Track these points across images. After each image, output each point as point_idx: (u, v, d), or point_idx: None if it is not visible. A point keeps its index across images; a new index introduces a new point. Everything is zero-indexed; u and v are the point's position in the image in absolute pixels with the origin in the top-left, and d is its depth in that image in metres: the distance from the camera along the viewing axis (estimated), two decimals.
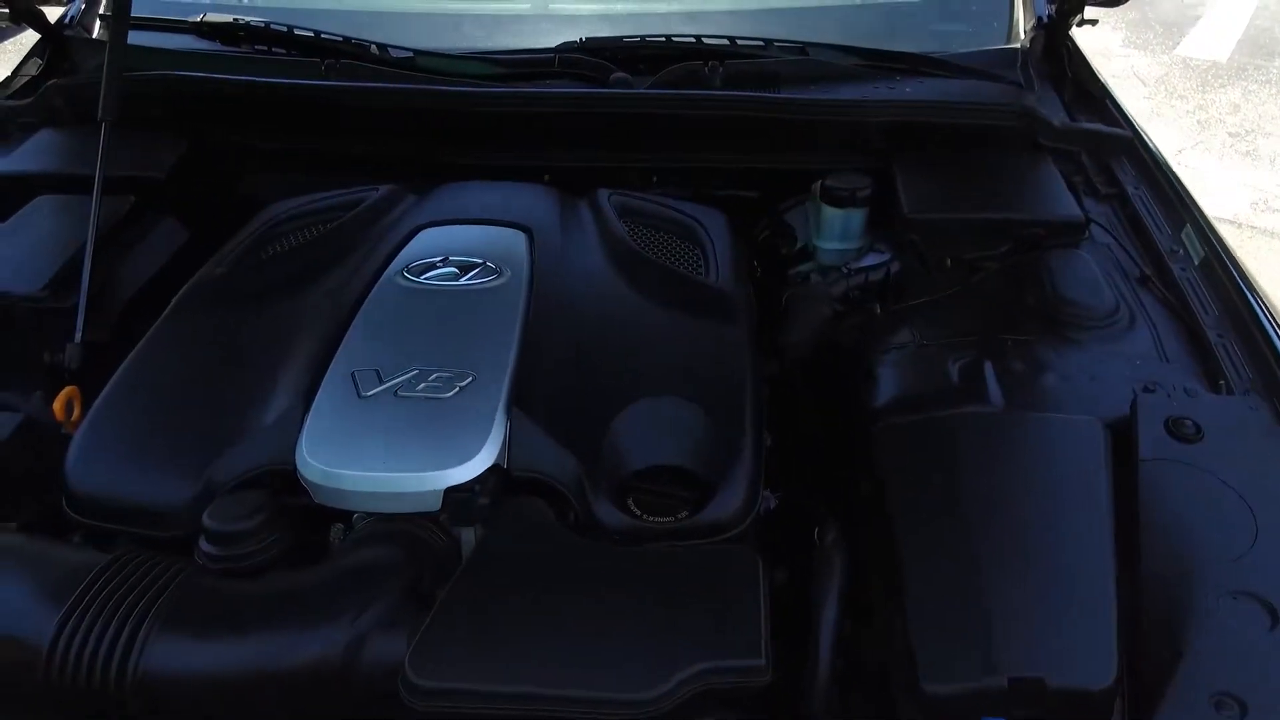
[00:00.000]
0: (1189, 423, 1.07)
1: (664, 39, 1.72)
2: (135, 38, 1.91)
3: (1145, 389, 1.14)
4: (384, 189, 1.50)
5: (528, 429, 1.04)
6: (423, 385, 1.07)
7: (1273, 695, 0.81)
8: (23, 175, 1.60)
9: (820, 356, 1.37)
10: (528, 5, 1.88)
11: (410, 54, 1.72)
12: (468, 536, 1.03)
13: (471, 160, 1.65)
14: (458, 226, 1.36)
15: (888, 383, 1.23)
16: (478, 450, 1.00)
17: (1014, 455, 1.04)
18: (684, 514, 1.01)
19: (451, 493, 0.98)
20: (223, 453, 1.05)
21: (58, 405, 1.14)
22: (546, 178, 1.64)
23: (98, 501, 1.04)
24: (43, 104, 1.75)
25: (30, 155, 1.66)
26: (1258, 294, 1.25)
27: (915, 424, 1.08)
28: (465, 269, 1.26)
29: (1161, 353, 1.22)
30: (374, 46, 1.72)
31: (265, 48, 1.80)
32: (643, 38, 1.72)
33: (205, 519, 0.98)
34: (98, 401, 1.14)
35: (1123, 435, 1.07)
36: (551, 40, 1.79)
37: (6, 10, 1.80)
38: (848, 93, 1.62)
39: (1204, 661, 0.83)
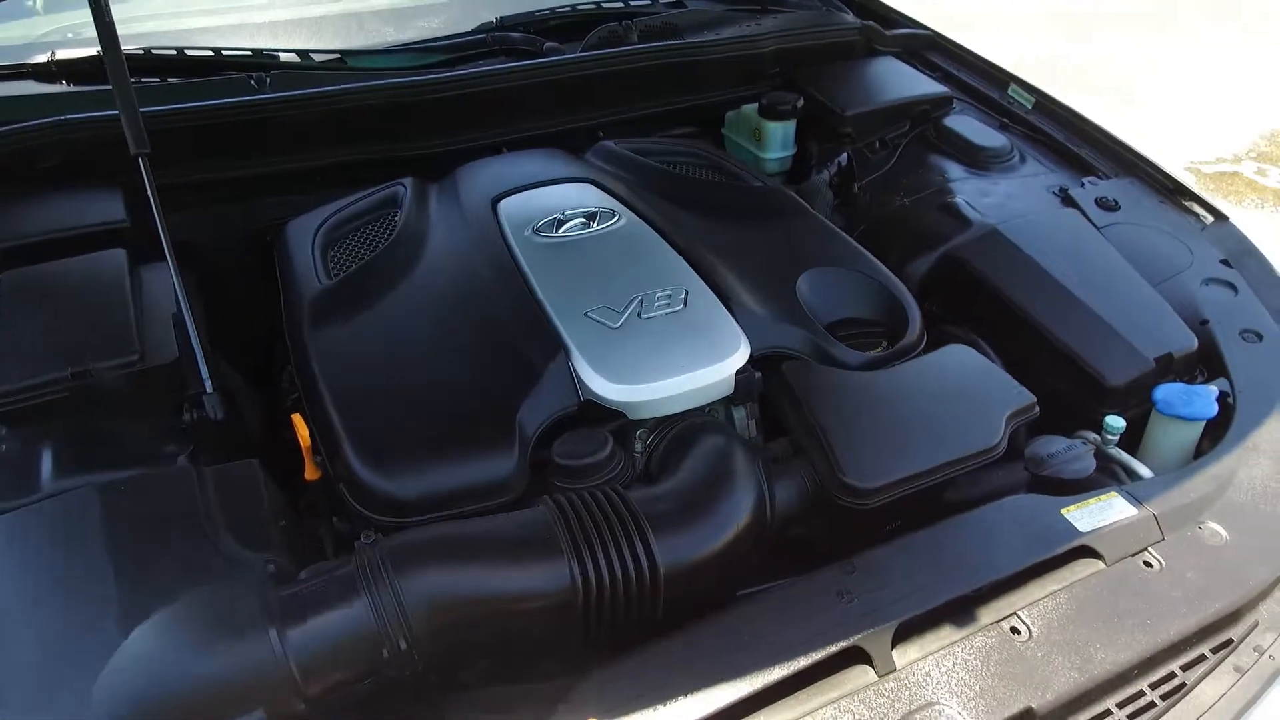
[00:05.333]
0: (1109, 199, 1.58)
1: (569, 8, 1.89)
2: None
3: (1062, 189, 1.63)
4: (407, 182, 1.51)
5: (748, 317, 1.24)
6: (656, 305, 1.22)
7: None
8: None
9: None
10: None
11: (337, 55, 1.70)
12: (739, 414, 1.21)
13: (428, 148, 1.69)
14: (532, 190, 1.46)
15: (907, 232, 1.60)
16: (740, 339, 1.19)
17: (1045, 238, 1.45)
18: (885, 345, 1.29)
19: (738, 375, 1.16)
20: (512, 418, 1.10)
21: (303, 433, 1.09)
22: (504, 150, 1.74)
23: (416, 498, 1.04)
24: None
25: None
26: (1085, 117, 1.81)
27: (979, 235, 1.46)
28: (587, 218, 1.38)
29: (1049, 167, 1.74)
30: (290, 54, 1.67)
31: (156, 79, 1.64)
32: (551, 10, 1.87)
33: (561, 460, 1.06)
34: (334, 417, 1.11)
35: None
36: (446, 26, 1.87)
37: None
38: (735, 32, 1.93)
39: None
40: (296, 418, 1.11)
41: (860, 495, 1.02)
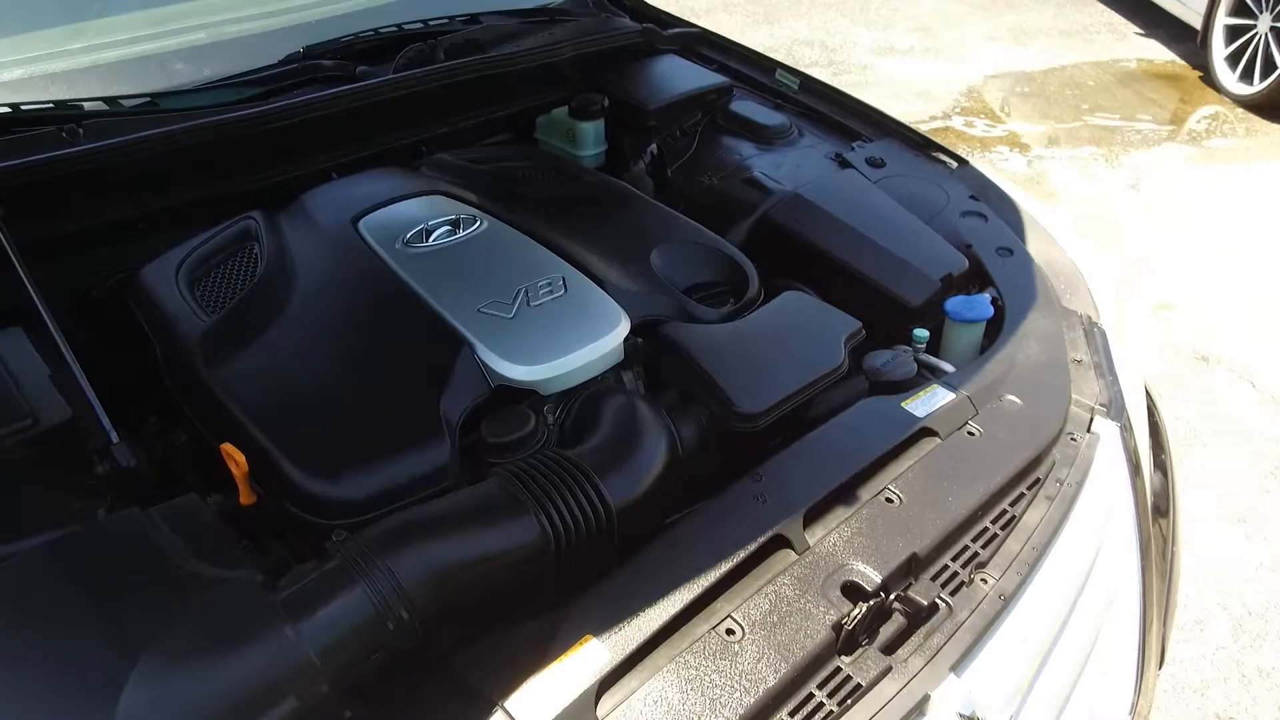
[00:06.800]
0: (876, 158, 1.89)
1: (372, 32, 1.95)
2: None
3: (838, 154, 1.93)
4: (256, 214, 1.54)
5: (620, 293, 1.40)
6: (540, 293, 1.35)
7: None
8: None
9: None
10: (204, 35, 1.89)
11: (148, 99, 1.67)
12: (628, 377, 1.38)
13: (256, 181, 1.71)
14: (389, 207, 1.54)
15: (722, 206, 1.83)
16: (619, 313, 1.35)
17: (837, 196, 1.73)
18: (732, 301, 1.50)
19: (625, 343, 1.33)
20: (436, 411, 1.20)
21: (239, 459, 1.13)
22: (334, 175, 1.80)
23: (365, 497, 1.12)
24: None
25: None
26: (844, 92, 2.12)
27: (786, 200, 1.71)
28: (453, 225, 1.49)
29: (822, 138, 2.03)
30: (96, 103, 1.63)
31: None
32: (355, 35, 1.93)
33: (493, 440, 1.18)
34: (262, 440, 1.15)
35: None
36: (251, 61, 1.88)
37: None
38: (533, 42, 2.08)
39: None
40: (227, 447, 1.15)
41: (751, 419, 1.22)
